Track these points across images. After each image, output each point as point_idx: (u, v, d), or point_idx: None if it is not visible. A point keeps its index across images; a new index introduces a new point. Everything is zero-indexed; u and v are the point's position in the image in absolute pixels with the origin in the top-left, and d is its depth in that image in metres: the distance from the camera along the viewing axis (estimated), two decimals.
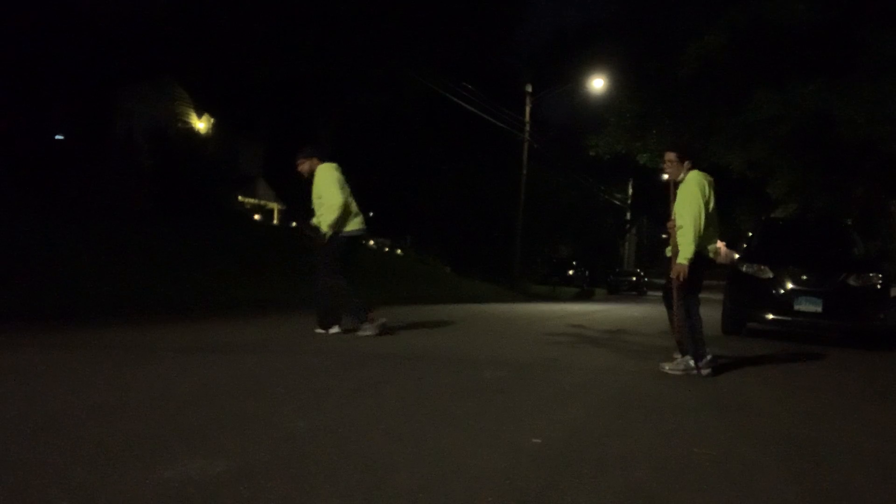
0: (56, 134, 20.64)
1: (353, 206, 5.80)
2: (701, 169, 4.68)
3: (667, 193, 4.82)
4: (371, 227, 6.24)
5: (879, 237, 14.27)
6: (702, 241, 4.46)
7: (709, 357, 4.50)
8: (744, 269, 7.64)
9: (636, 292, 33.46)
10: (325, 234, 5.65)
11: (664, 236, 4.71)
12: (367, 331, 5.62)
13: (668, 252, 4.62)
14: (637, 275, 35.87)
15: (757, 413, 3.38)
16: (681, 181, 4.59)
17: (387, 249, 24.44)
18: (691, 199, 4.42)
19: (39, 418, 2.51)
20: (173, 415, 2.66)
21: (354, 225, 5.79)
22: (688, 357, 4.50)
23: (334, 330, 5.69)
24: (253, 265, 11.76)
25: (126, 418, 2.57)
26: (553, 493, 1.96)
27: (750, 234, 9.61)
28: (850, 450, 2.70)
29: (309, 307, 6.33)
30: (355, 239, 5.92)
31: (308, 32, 18.48)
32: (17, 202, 11.33)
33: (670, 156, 4.71)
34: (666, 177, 4.90)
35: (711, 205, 4.51)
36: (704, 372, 4.44)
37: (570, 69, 24.66)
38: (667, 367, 4.61)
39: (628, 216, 42.81)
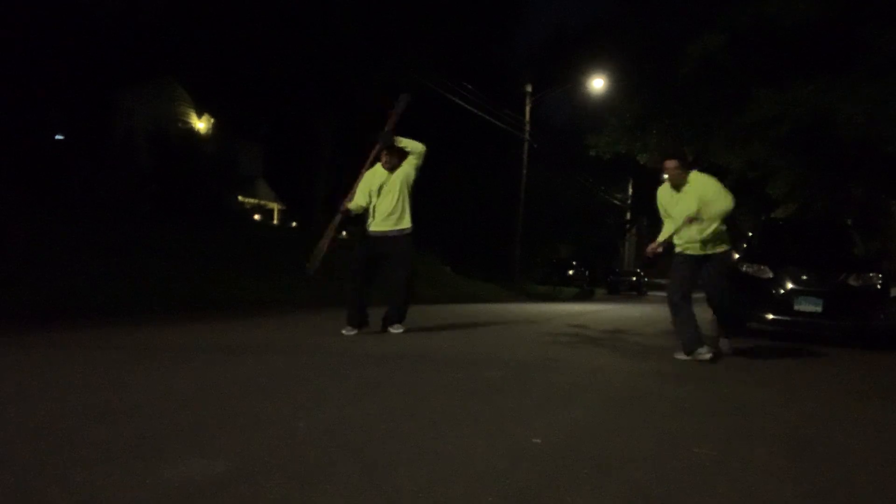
0: (56, 134, 20.64)
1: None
2: (701, 169, 5.01)
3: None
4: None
5: (879, 237, 14.26)
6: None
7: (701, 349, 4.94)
8: (744, 269, 7.64)
9: (636, 292, 33.46)
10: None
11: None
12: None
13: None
14: (637, 275, 35.87)
15: (757, 413, 3.38)
16: (684, 183, 5.07)
17: None
18: (725, 191, 5.08)
19: (39, 418, 2.51)
20: (173, 415, 2.66)
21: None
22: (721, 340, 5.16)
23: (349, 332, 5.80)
24: (253, 265, 11.76)
25: (126, 418, 2.57)
26: (553, 493, 1.96)
27: (750, 234, 9.62)
28: (851, 450, 2.70)
29: (308, 308, 6.35)
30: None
31: (308, 32, 18.47)
32: (17, 202, 11.33)
33: (672, 163, 5.05)
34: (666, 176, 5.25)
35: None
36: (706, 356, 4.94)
37: (570, 69, 24.68)
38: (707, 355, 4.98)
39: (628, 216, 42.81)
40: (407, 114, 6.14)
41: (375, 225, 5.93)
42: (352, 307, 5.83)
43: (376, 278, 6.04)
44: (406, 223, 5.96)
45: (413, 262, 6.06)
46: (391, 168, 5.92)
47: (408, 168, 5.95)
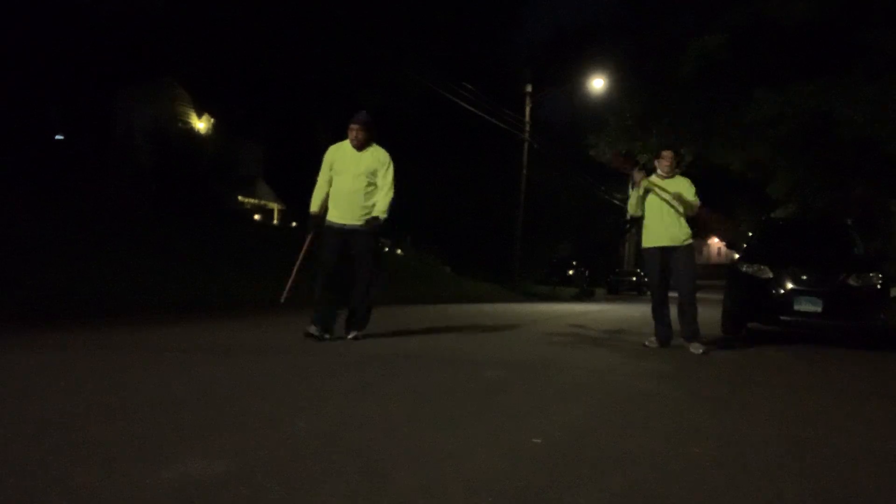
0: (56, 134, 20.65)
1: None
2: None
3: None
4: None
5: (879, 237, 14.27)
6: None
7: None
8: (744, 269, 7.63)
9: (636, 292, 33.42)
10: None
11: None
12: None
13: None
14: (637, 275, 35.81)
15: (757, 413, 3.38)
16: (671, 176, 5.97)
17: (387, 249, 24.48)
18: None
19: (39, 418, 2.51)
20: (173, 415, 2.66)
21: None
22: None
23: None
24: (253, 265, 11.76)
25: (126, 418, 2.57)
26: (553, 493, 1.96)
27: (750, 234, 9.61)
28: (851, 450, 2.70)
29: (307, 308, 6.33)
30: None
31: (308, 32, 18.48)
32: (17, 202, 11.32)
33: (669, 153, 6.04)
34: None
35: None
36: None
37: (570, 69, 24.70)
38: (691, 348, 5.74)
39: (628, 216, 42.74)
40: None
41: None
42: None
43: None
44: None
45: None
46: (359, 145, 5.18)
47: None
